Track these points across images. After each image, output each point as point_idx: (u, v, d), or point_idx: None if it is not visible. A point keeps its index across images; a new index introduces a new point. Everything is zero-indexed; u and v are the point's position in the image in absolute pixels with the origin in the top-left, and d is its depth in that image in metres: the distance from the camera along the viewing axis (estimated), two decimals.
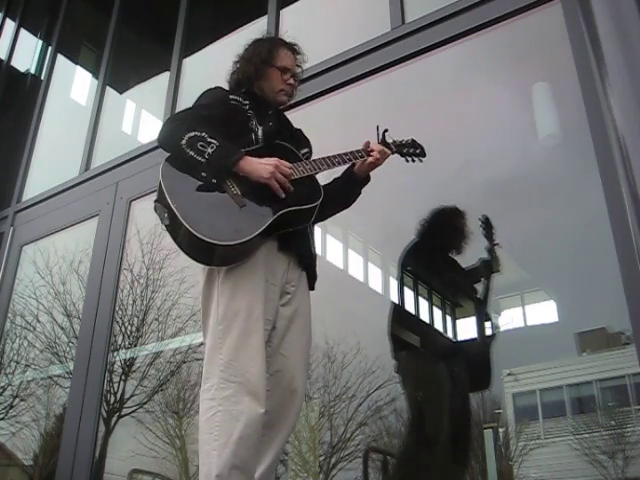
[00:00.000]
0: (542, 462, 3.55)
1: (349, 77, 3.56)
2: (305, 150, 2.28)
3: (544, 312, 3.67)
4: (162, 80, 4.68)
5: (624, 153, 2.27)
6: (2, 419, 4.79)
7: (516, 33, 3.22)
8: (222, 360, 1.89)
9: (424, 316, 3.63)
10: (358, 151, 2.18)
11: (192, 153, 1.94)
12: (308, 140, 2.37)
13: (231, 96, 2.19)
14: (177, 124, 2.05)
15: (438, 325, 3.65)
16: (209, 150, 1.93)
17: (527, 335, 3.63)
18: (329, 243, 4.16)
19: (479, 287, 3.33)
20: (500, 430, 3.52)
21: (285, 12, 4.12)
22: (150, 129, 4.94)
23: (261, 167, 1.98)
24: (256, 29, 3.98)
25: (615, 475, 3.10)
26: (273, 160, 2.00)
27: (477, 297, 3.32)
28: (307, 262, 2.15)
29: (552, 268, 3.40)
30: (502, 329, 3.48)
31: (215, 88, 2.24)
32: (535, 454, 3.51)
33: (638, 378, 3.26)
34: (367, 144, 2.20)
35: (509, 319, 3.58)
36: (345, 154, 2.16)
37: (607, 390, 3.72)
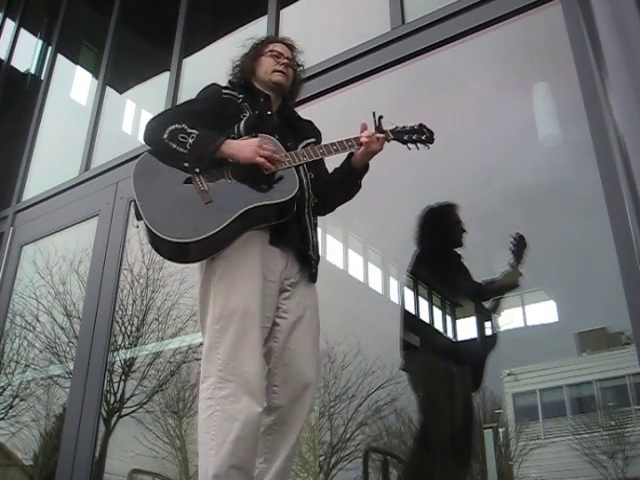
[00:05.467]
0: (542, 462, 3.55)
1: (349, 77, 3.56)
2: (309, 141, 2.25)
3: (544, 312, 3.67)
4: (162, 80, 4.68)
5: (624, 153, 2.26)
6: (2, 419, 4.79)
7: (516, 33, 3.22)
8: (220, 359, 1.90)
9: (424, 316, 3.63)
10: (348, 140, 2.13)
11: (174, 145, 1.99)
12: (315, 131, 2.35)
13: (224, 90, 2.22)
14: (159, 120, 2.10)
15: (438, 325, 3.66)
16: (190, 140, 1.98)
17: (527, 335, 3.63)
18: (329, 243, 4.16)
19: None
20: (500, 430, 3.52)
21: (285, 12, 4.12)
22: None
23: (244, 149, 2.00)
24: (256, 29, 4.00)
25: (615, 475, 3.10)
26: (254, 140, 2.03)
27: (485, 307, 3.32)
28: (305, 256, 2.13)
29: (552, 268, 3.40)
30: (502, 329, 3.48)
31: (211, 85, 2.27)
32: (535, 454, 3.51)
33: (638, 378, 3.26)
34: (363, 127, 2.14)
35: (509, 319, 3.58)
36: (332, 144, 2.12)
37: (607, 390, 3.72)
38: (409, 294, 3.61)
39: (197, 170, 1.99)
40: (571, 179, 3.28)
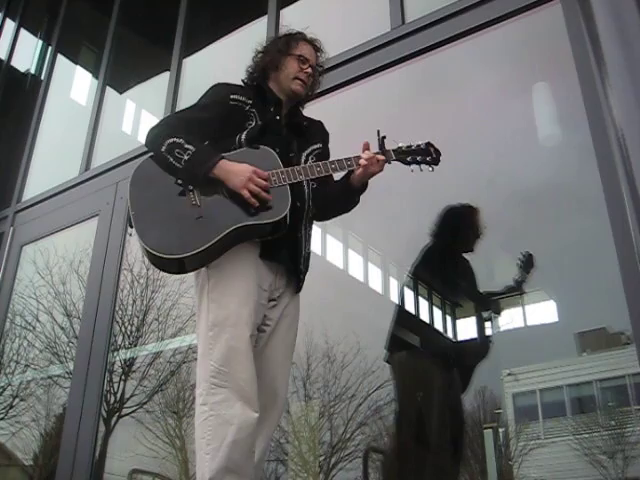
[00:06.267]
0: (542, 462, 3.54)
1: (349, 77, 3.56)
2: (314, 147, 2.25)
3: (544, 312, 3.66)
4: (162, 80, 4.69)
5: (624, 153, 2.27)
6: (2, 419, 4.79)
7: (516, 33, 3.22)
8: (212, 366, 1.93)
9: (423, 316, 3.63)
10: (348, 159, 2.10)
11: (171, 159, 1.99)
12: (324, 133, 2.34)
13: (232, 95, 2.17)
14: (160, 130, 2.09)
15: (437, 325, 3.65)
16: (185, 157, 1.98)
17: (527, 335, 3.62)
18: (329, 243, 4.15)
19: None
20: (500, 430, 3.52)
21: (285, 12, 4.12)
22: None
23: (235, 176, 1.98)
24: (256, 29, 4.00)
25: (615, 475, 3.10)
26: (249, 170, 1.99)
27: (484, 316, 3.34)
28: (293, 270, 2.14)
29: (552, 268, 3.40)
30: (502, 329, 3.48)
31: (218, 85, 2.23)
32: (535, 454, 3.50)
33: (638, 378, 3.25)
34: (365, 146, 2.11)
35: (509, 319, 3.58)
36: (331, 162, 2.10)
37: (607, 390, 3.71)
38: (409, 294, 3.61)
39: (190, 188, 2.00)
40: (571, 179, 3.28)
